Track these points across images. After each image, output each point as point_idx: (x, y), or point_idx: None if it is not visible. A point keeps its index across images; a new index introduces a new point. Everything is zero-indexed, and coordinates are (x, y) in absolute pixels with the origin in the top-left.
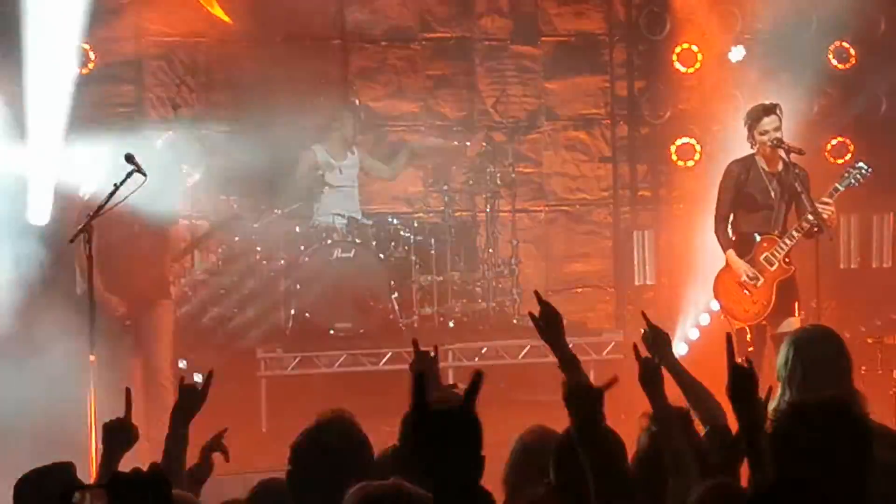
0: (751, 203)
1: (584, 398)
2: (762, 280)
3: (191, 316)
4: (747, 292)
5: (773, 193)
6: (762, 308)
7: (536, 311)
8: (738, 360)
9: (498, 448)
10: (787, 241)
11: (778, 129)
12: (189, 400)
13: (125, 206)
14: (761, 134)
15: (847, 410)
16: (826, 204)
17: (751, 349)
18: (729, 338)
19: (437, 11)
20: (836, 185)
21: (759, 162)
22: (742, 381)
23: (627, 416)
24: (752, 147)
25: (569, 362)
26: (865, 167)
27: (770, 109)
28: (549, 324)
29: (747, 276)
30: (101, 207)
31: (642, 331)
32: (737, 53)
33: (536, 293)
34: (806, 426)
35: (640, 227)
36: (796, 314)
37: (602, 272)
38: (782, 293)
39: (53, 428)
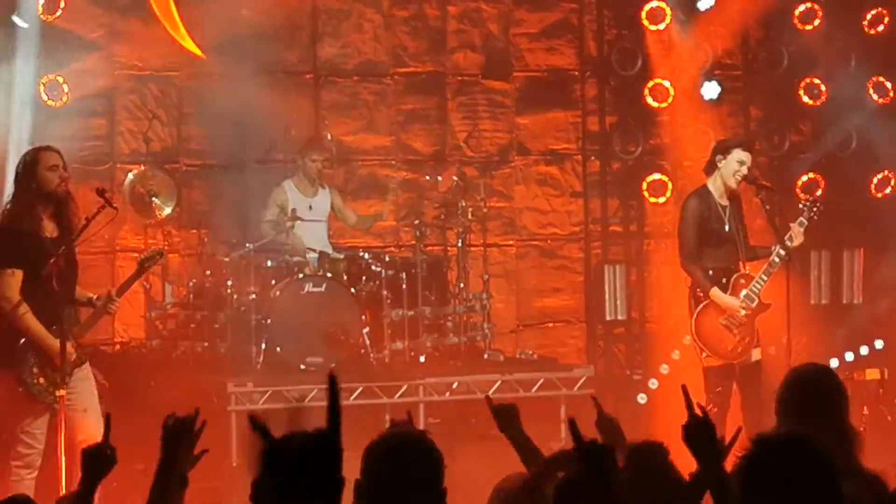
0: (715, 239)
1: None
2: (746, 318)
3: (161, 349)
4: (735, 331)
5: (727, 226)
6: (747, 346)
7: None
8: (696, 410)
9: (470, 481)
10: (764, 277)
11: (749, 166)
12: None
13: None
14: (739, 162)
15: (810, 447)
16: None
17: (719, 388)
18: (684, 388)
19: (410, 46)
20: (801, 219)
21: (714, 194)
22: (698, 430)
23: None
24: (713, 169)
25: (531, 454)
26: (819, 203)
27: (748, 144)
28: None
29: (744, 310)
30: (70, 241)
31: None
32: (710, 90)
33: (487, 398)
34: (770, 463)
35: (612, 262)
36: (759, 345)
37: (573, 307)
38: None
39: None
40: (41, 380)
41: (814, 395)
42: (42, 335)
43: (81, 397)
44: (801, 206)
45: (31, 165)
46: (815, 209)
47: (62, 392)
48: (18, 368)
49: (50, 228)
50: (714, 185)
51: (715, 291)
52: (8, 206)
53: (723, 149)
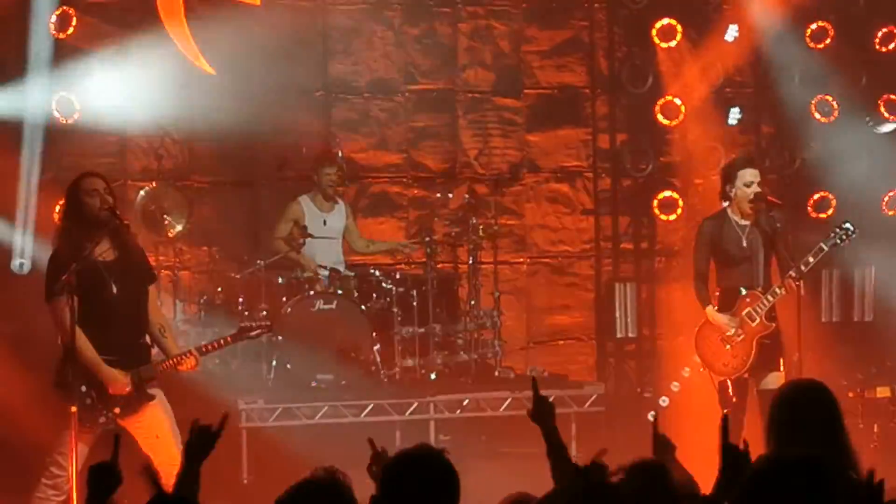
0: (728, 258)
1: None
2: (743, 335)
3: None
4: (728, 346)
5: (745, 245)
6: (741, 363)
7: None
8: (732, 440)
9: (481, 500)
10: (770, 298)
11: (759, 181)
12: (203, 441)
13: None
14: (746, 185)
15: (813, 468)
16: (803, 266)
17: (734, 400)
18: (725, 419)
19: (421, 63)
20: (822, 244)
21: (733, 216)
22: (735, 461)
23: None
24: (727, 198)
25: (556, 451)
26: (852, 228)
27: (752, 161)
28: (541, 414)
29: (733, 328)
30: (80, 260)
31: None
32: (734, 116)
33: (534, 382)
34: (772, 485)
35: (622, 279)
36: (781, 369)
37: (583, 324)
38: (764, 349)
39: None
40: (87, 400)
41: (797, 413)
42: (94, 361)
43: (150, 425)
44: (834, 231)
45: (72, 192)
46: (844, 239)
47: (74, 408)
48: (68, 390)
49: (103, 252)
50: (732, 209)
51: (709, 309)
52: (56, 235)
53: (729, 177)
